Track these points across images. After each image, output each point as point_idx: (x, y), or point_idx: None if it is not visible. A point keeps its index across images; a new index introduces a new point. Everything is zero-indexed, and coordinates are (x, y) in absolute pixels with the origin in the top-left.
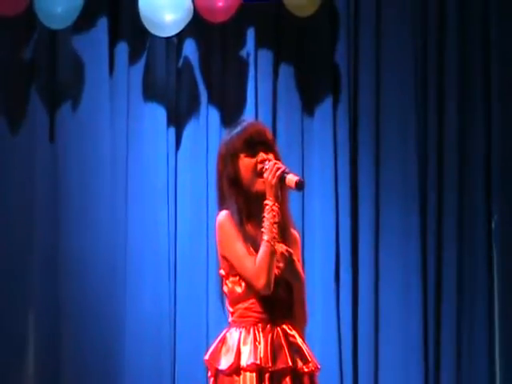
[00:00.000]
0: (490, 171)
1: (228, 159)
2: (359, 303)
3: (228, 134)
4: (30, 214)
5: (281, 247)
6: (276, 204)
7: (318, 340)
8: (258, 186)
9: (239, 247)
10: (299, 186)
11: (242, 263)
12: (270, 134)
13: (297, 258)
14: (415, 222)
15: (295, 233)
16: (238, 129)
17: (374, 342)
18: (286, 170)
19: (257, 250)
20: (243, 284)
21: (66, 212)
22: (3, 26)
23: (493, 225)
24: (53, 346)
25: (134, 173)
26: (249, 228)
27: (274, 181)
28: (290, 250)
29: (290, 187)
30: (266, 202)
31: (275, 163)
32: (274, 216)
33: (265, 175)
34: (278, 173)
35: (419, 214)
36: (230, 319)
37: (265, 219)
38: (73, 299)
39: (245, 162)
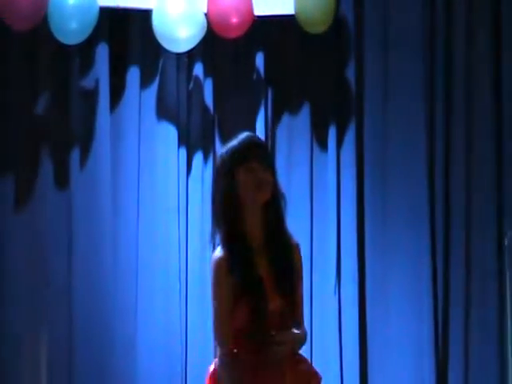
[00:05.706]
0: (502, 186)
1: (224, 173)
2: (367, 322)
3: (224, 148)
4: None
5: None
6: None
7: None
8: (259, 198)
9: (220, 301)
10: None
11: (216, 315)
12: (266, 147)
13: (297, 267)
14: (425, 239)
15: (294, 241)
16: (234, 142)
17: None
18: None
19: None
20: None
21: (78, 233)
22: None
23: (505, 242)
24: (65, 365)
25: (145, 194)
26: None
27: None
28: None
29: None
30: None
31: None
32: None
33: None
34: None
35: (429, 228)
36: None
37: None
38: (84, 320)
39: (244, 176)
